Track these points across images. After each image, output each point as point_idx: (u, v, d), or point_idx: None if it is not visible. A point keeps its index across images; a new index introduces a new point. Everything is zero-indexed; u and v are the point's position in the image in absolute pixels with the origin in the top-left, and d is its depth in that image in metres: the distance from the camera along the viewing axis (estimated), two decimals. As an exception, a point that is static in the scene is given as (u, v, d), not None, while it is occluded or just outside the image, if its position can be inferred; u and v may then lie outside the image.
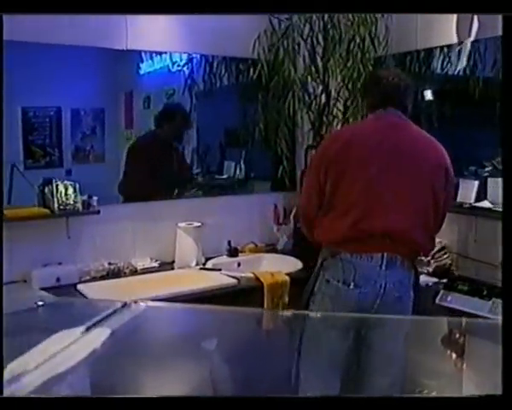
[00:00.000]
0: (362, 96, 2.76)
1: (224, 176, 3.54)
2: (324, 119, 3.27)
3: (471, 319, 2.02)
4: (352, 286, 2.12)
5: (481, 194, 2.75)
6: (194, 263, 3.07)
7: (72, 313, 1.69)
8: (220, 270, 2.98)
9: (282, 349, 1.69)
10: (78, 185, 2.78)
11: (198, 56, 3.28)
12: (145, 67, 3.16)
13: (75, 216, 2.81)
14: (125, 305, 1.27)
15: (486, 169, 2.84)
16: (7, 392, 0.89)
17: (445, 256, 2.89)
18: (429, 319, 2.03)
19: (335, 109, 3.26)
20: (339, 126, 3.23)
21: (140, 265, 3.02)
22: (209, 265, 3.11)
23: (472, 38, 2.80)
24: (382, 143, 2.19)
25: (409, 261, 2.19)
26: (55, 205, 2.72)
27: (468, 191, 2.78)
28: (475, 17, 2.78)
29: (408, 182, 2.16)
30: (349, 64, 3.06)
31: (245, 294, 2.76)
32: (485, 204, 2.67)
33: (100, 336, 1.07)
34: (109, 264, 2.91)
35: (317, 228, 2.26)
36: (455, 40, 2.89)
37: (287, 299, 2.81)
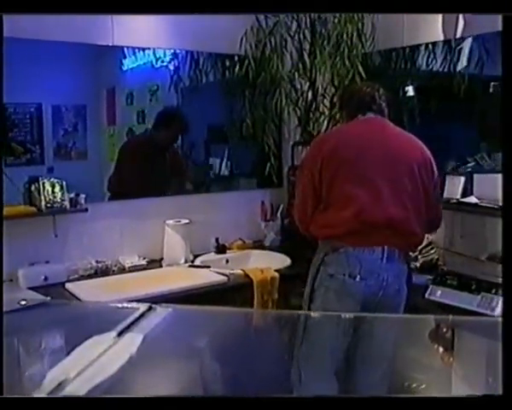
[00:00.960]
0: (339, 109, 2.81)
1: (210, 173, 3.53)
2: (311, 115, 3.29)
3: (459, 316, 2.06)
4: (358, 279, 2.19)
5: (468, 189, 2.79)
6: (182, 260, 3.05)
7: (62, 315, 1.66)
8: (209, 267, 2.97)
9: (273, 349, 1.70)
10: (65, 183, 2.74)
11: (183, 52, 3.25)
12: (128, 63, 3.13)
13: (62, 214, 2.78)
14: (150, 309, 1.25)
15: (469, 165, 2.89)
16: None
17: (432, 251, 2.92)
18: (420, 316, 2.08)
19: (322, 106, 3.28)
20: (325, 123, 3.25)
21: (128, 263, 2.99)
22: (197, 262, 3.10)
23: (458, 36, 2.84)
24: (371, 141, 2.28)
25: (404, 255, 2.28)
26: (42, 203, 2.68)
27: (454, 187, 2.82)
28: (460, 15, 2.82)
29: (399, 176, 2.24)
30: (336, 61, 3.07)
31: (234, 291, 2.76)
32: (472, 200, 2.70)
33: (133, 341, 1.07)
34: (97, 262, 2.89)
35: (314, 223, 2.31)
36: (441, 38, 2.92)
37: (276, 295, 2.82)
